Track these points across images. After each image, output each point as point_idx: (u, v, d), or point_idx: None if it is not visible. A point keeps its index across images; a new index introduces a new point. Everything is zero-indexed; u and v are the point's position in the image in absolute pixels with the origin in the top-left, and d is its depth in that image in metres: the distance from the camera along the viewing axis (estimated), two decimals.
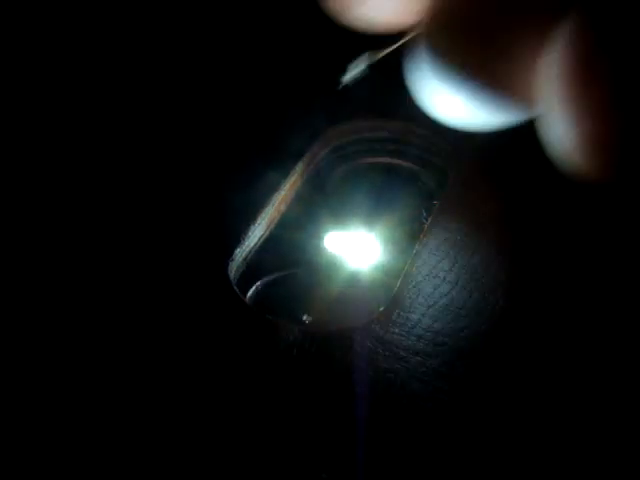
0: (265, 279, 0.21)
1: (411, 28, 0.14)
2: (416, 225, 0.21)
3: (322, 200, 0.23)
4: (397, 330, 0.18)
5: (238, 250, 0.21)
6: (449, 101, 0.14)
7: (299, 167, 0.23)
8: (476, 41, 0.13)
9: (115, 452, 0.17)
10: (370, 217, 0.22)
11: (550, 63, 0.12)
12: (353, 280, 0.21)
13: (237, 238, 0.21)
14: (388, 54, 0.16)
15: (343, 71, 0.16)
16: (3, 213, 0.21)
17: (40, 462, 0.17)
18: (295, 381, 0.18)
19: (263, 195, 0.22)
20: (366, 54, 0.16)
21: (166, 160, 0.23)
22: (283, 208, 0.22)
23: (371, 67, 0.16)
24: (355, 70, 0.16)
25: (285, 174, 0.22)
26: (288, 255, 0.22)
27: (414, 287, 0.19)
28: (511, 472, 0.16)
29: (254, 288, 0.21)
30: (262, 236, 0.22)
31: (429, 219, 0.20)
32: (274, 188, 0.22)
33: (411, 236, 0.21)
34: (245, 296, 0.20)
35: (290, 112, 0.24)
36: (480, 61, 0.13)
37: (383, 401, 0.17)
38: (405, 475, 0.16)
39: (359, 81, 0.16)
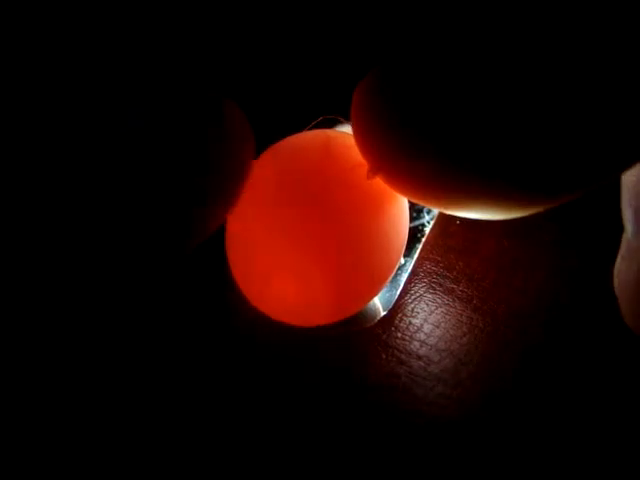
0: None
1: None
2: (416, 231, 0.21)
3: None
4: (400, 335, 0.18)
5: None
6: None
7: None
8: None
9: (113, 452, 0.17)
10: None
11: None
12: None
13: None
14: None
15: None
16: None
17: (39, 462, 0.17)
18: (295, 384, 0.18)
19: None
20: None
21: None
22: None
23: None
24: None
25: None
26: None
27: (416, 292, 0.19)
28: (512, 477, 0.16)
29: None
30: None
31: (431, 223, 0.20)
32: None
33: (412, 242, 0.21)
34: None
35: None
36: None
37: (384, 406, 0.17)
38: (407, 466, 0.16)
39: None
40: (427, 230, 0.19)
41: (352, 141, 0.14)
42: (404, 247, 0.17)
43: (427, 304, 0.19)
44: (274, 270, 0.15)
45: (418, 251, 0.19)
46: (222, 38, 0.24)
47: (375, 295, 0.17)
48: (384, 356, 0.18)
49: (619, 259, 0.14)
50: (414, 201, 0.15)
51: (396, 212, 0.16)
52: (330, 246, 0.15)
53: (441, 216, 0.20)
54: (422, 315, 0.18)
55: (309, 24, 0.24)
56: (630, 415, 0.17)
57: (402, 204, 0.16)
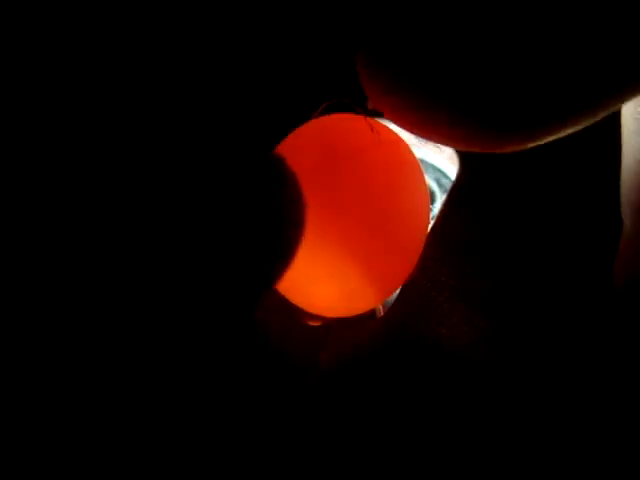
0: None
1: None
2: None
3: None
4: (400, 334, 0.18)
5: None
6: None
7: None
8: None
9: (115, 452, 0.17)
10: None
11: None
12: None
13: None
14: None
15: None
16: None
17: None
18: (295, 386, 0.18)
19: None
20: None
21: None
22: None
23: None
24: None
25: None
26: None
27: (418, 290, 0.19)
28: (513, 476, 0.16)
29: None
30: None
31: (431, 222, 0.20)
32: None
33: None
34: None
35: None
36: None
37: (384, 406, 0.17)
38: (409, 466, 0.17)
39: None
40: (427, 228, 0.19)
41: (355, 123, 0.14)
42: (429, 222, 0.17)
43: (428, 303, 0.19)
44: (310, 272, 0.16)
45: None
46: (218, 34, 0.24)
47: (411, 268, 0.18)
48: (384, 356, 0.18)
49: (618, 254, 0.14)
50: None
51: (414, 187, 0.16)
52: (356, 237, 0.15)
53: (441, 214, 0.20)
54: (423, 314, 0.18)
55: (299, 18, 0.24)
56: (630, 413, 0.17)
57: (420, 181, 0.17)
